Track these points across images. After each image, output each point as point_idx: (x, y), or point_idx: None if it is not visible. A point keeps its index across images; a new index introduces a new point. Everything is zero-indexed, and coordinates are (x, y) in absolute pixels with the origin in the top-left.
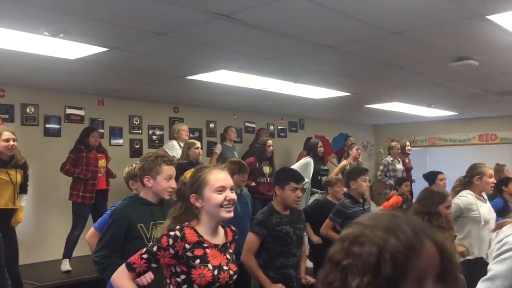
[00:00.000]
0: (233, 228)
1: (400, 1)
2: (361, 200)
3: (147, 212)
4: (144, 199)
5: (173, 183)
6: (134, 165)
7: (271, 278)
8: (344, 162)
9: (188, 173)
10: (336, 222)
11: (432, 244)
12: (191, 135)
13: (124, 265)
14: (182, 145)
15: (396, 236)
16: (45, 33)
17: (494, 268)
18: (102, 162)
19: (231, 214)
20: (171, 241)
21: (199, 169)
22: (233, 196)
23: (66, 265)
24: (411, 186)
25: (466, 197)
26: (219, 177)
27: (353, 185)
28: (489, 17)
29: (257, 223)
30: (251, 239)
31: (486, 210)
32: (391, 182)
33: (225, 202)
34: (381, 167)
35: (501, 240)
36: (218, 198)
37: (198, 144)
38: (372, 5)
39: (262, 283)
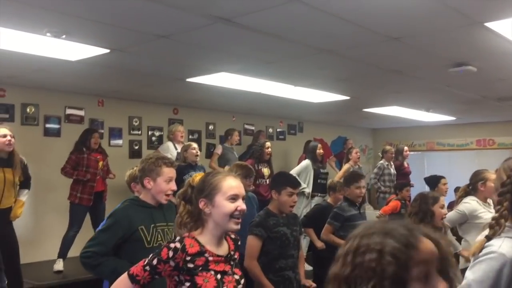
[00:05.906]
0: (232, 236)
1: (399, 7)
2: (357, 204)
3: (147, 214)
4: (144, 201)
5: (173, 185)
6: (135, 168)
7: (271, 280)
8: (346, 166)
9: (197, 176)
10: (335, 226)
11: (429, 240)
12: (190, 137)
13: (126, 276)
14: (177, 146)
15: (393, 237)
16: (48, 34)
17: (469, 275)
18: (101, 164)
19: (239, 227)
20: (171, 254)
21: (213, 173)
22: (244, 207)
23: (58, 265)
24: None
25: (470, 203)
26: (233, 184)
27: (347, 191)
28: (487, 24)
29: (255, 225)
30: (252, 243)
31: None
32: (382, 186)
33: (236, 212)
34: (376, 170)
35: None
36: (230, 206)
37: (195, 145)
38: (371, 11)
39: None
